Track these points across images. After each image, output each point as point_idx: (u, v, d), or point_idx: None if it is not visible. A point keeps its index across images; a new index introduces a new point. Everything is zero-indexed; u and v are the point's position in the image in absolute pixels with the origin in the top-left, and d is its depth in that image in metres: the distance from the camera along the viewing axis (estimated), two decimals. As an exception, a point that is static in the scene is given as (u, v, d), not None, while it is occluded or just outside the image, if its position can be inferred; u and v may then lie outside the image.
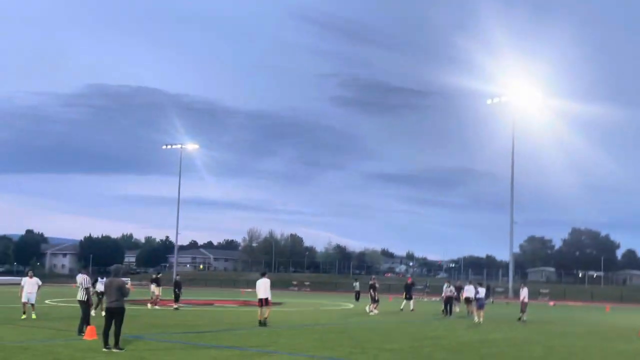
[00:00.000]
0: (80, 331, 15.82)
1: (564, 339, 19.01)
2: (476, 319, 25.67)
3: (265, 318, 20.28)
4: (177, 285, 30.43)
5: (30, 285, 21.30)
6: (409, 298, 34.41)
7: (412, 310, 32.93)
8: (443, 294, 31.28)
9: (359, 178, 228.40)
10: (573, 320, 29.82)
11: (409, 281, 37.54)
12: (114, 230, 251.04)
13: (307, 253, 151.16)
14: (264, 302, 20.53)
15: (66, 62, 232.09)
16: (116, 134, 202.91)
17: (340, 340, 16.47)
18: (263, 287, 20.74)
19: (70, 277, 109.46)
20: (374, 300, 30.14)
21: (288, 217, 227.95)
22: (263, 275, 21.79)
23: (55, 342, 14.48)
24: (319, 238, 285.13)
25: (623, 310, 45.86)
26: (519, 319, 27.20)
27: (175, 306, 29.03)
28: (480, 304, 26.38)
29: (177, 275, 30.30)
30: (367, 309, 29.76)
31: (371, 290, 30.54)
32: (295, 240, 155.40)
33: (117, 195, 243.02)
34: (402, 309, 32.88)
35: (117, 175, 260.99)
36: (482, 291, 26.99)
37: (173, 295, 29.97)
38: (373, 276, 39.18)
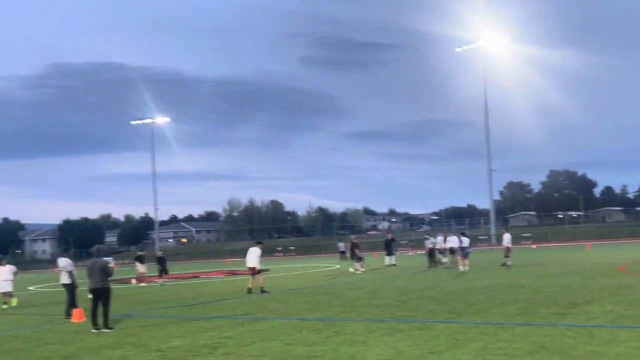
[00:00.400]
0: (68, 314, 15.81)
1: (548, 279, 19.50)
2: (462, 268, 26.18)
3: (262, 287, 20.47)
4: (161, 261, 30.37)
5: (4, 274, 21.12)
6: (390, 254, 34.99)
7: (394, 265, 33.49)
8: (426, 247, 31.78)
9: (335, 138, 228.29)
10: (556, 261, 30.54)
11: (389, 237, 38.04)
12: (92, 211, 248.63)
13: (289, 218, 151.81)
14: (251, 271, 20.72)
15: (23, 43, 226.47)
16: (83, 113, 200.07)
17: (328, 301, 16.71)
18: (250, 256, 20.90)
19: (52, 262, 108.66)
20: (358, 259, 30.49)
21: (267, 184, 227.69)
22: (258, 244, 21.86)
23: (43, 327, 14.48)
24: (300, 202, 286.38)
25: (603, 247, 47.06)
26: (503, 264, 27.77)
27: (160, 282, 29.07)
28: (465, 253, 26.90)
29: (159, 250, 30.19)
30: (350, 269, 30.10)
31: (355, 250, 30.87)
32: (276, 206, 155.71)
33: (92, 175, 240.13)
34: (386, 265, 33.45)
35: (89, 156, 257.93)
36: (465, 240, 27.45)
37: (157, 272, 29.94)
38: (353, 236, 39.64)
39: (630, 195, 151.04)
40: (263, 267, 20.75)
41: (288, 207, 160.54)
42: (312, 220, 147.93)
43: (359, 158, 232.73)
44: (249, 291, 20.28)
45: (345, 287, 21.38)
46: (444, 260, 30.94)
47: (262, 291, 20.25)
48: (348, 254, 30.31)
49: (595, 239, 69.74)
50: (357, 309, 14.42)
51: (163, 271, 29.74)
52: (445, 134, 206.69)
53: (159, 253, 30.40)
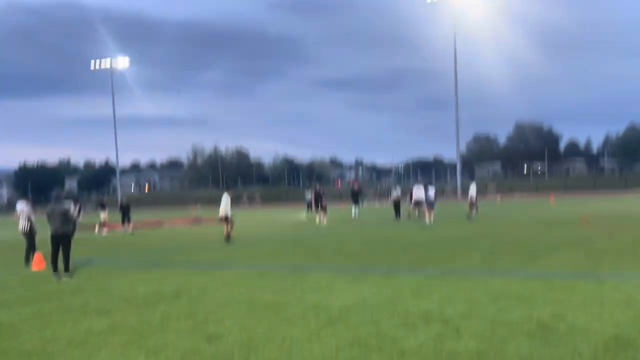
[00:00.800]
0: (27, 260, 15.66)
1: (510, 230, 20.02)
2: (427, 220, 26.61)
3: (229, 234, 20.33)
4: (125, 209, 29.98)
5: None
6: (356, 203, 35.39)
7: (358, 215, 33.86)
8: (391, 198, 32.09)
9: (302, 85, 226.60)
10: (519, 213, 31.30)
11: (356, 187, 38.40)
12: (50, 156, 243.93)
13: (254, 167, 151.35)
14: (222, 219, 20.59)
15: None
16: (39, 53, 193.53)
17: (294, 250, 16.89)
18: (222, 204, 20.75)
19: (9, 207, 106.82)
20: (323, 209, 30.68)
21: (232, 131, 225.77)
22: (227, 190, 21.69)
23: (1, 273, 14.33)
24: (266, 150, 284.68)
25: (567, 200, 48.35)
26: (469, 216, 28.34)
27: (130, 231, 28.76)
28: (430, 204, 27.28)
29: (124, 198, 29.77)
30: (317, 220, 30.30)
31: (318, 199, 31.00)
32: (241, 154, 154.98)
33: (49, 119, 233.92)
34: (353, 217, 33.81)
35: (46, 98, 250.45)
36: (431, 192, 27.81)
37: (121, 220, 29.64)
38: (317, 184, 39.89)
39: (594, 149, 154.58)
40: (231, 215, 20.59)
41: (253, 156, 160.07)
42: (278, 170, 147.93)
43: (326, 106, 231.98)
44: (226, 239, 20.17)
45: (311, 237, 21.60)
46: (410, 211, 31.34)
47: (228, 239, 20.20)
48: (313, 204, 30.50)
49: (559, 191, 71.51)
50: (322, 257, 14.61)
51: (128, 219, 29.47)
52: (414, 84, 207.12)
53: (124, 200, 30.00)
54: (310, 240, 19.86)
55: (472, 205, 29.01)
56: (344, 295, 9.14)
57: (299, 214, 40.30)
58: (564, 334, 6.37)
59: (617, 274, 10.12)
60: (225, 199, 20.62)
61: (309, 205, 44.81)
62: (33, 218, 16.01)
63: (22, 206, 16.35)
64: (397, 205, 31.08)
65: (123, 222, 29.42)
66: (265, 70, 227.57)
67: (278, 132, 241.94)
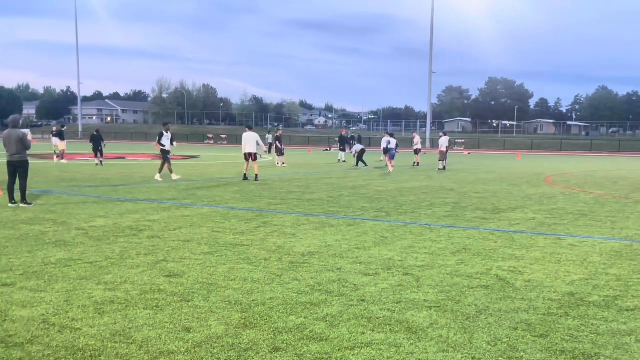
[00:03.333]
0: (-18, 187, 15.36)
1: (476, 185, 20.37)
2: (390, 169, 26.92)
3: (256, 174, 20.44)
4: (95, 139, 28.87)
5: None
6: (343, 150, 35.85)
7: (345, 162, 34.32)
8: (354, 148, 32.14)
9: (275, 24, 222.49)
10: (485, 168, 31.79)
11: (342, 133, 38.79)
12: (7, 79, 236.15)
13: (222, 105, 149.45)
14: (247, 157, 20.57)
15: None
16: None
17: (259, 192, 16.92)
18: (249, 142, 20.63)
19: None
20: (280, 152, 30.73)
21: (200, 67, 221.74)
22: (249, 129, 21.47)
23: (-46, 199, 14.04)
24: (234, 89, 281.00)
25: (533, 158, 49.23)
26: (440, 168, 28.75)
27: (97, 161, 28.16)
28: (391, 154, 27.59)
29: (96, 130, 28.90)
30: (276, 163, 30.32)
31: (277, 142, 31.00)
32: (209, 91, 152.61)
33: (6, 41, 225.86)
34: (340, 161, 34.44)
35: (4, 18, 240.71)
36: (392, 142, 28.18)
37: (93, 150, 28.71)
38: (278, 127, 39.92)
39: (563, 109, 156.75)
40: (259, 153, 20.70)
41: (221, 94, 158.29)
42: (246, 109, 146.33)
43: (299, 48, 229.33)
44: (245, 177, 20.26)
45: (276, 180, 21.63)
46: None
47: (256, 178, 20.40)
48: (279, 145, 30.57)
49: (526, 149, 72.68)
50: (287, 202, 14.68)
51: (99, 151, 28.49)
52: (389, 30, 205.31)
53: (95, 132, 29.15)
54: (275, 183, 19.89)
55: (442, 156, 29.38)
56: (307, 241, 9.24)
57: (266, 157, 40.19)
58: (521, 288, 6.58)
59: (576, 234, 10.42)
60: (253, 137, 20.59)
61: (270, 148, 44.89)
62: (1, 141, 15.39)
63: None
64: (361, 154, 31.15)
65: (95, 153, 28.50)
66: (238, 4, 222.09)
67: (248, 70, 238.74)
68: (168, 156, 20.48)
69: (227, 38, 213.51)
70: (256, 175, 20.68)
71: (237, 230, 10.14)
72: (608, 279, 7.09)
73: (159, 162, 21.94)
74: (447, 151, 30.10)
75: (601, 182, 22.75)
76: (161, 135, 20.47)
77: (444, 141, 29.90)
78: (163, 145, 20.31)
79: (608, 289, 6.66)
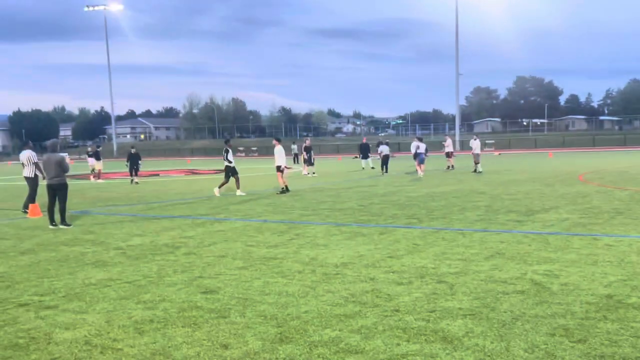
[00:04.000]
0: (26, 207, 15.72)
1: (507, 187, 20.12)
2: (420, 173, 26.73)
3: (285, 185, 20.48)
4: (134, 158, 28.87)
5: None
6: (366, 157, 35.81)
7: (373, 168, 34.37)
8: (380, 153, 31.71)
9: (299, 35, 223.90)
10: (517, 169, 31.39)
11: (364, 141, 38.75)
12: (44, 103, 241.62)
13: (251, 117, 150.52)
14: (278, 169, 20.58)
15: None
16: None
17: (291, 204, 16.98)
18: (276, 155, 20.72)
19: (5, 154, 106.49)
20: (309, 163, 30.82)
21: (228, 80, 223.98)
22: (278, 141, 21.53)
23: (-3, 223, 14.41)
24: (263, 101, 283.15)
25: (565, 156, 48.44)
26: (474, 171, 28.51)
27: (136, 180, 28.30)
28: (420, 158, 27.33)
29: (132, 147, 29.12)
30: (305, 173, 30.41)
31: (304, 153, 31.08)
32: (238, 104, 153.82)
33: (42, 64, 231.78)
34: (363, 169, 34.49)
35: (39, 44, 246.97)
36: (422, 146, 27.91)
37: (128, 170, 28.81)
38: (306, 137, 40.10)
39: (595, 104, 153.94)
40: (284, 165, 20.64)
41: (250, 106, 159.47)
42: (275, 121, 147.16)
43: (324, 57, 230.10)
44: (282, 190, 20.23)
45: (308, 190, 21.69)
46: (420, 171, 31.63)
47: (282, 190, 20.37)
48: (302, 157, 30.65)
49: (557, 147, 71.54)
50: (319, 212, 14.71)
51: (134, 169, 28.52)
52: (413, 34, 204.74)
53: (133, 150, 29.33)
54: (306, 194, 19.95)
55: (477, 159, 29.13)
56: (340, 251, 9.25)
57: (297, 167, 40.34)
58: (557, 292, 6.49)
59: (612, 233, 10.22)
60: (277, 150, 20.58)
61: (296, 158, 45.03)
62: (40, 164, 15.66)
63: (26, 154, 16.09)
64: (385, 160, 30.93)
65: (130, 172, 28.59)
66: (261, 17, 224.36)
67: (275, 82, 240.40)
68: (235, 171, 20.37)
69: (253, 51, 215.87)
70: (286, 186, 20.62)
71: (270, 243, 10.21)
72: (646, 279, 6.94)
73: (190, 177, 22.16)
74: (480, 154, 29.81)
75: (637, 178, 22.27)
76: (227, 152, 20.38)
77: (476, 144, 29.61)
78: (230, 162, 20.27)
79: (646, 289, 6.52)
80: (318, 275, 7.66)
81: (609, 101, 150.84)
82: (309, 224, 12.55)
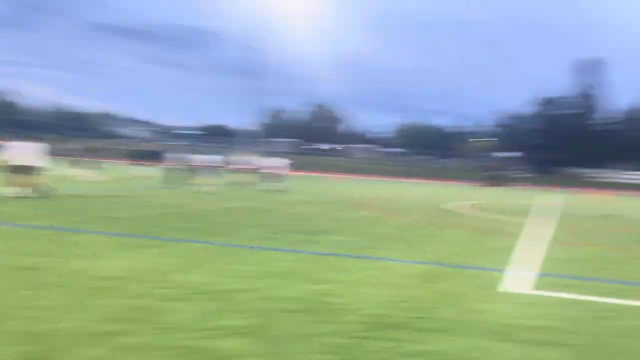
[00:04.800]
0: None
1: (295, 207, 20.90)
2: (208, 187, 26.92)
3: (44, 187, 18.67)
4: None
5: None
6: (151, 165, 35.09)
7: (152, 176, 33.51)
8: (172, 164, 31.51)
9: (82, 29, 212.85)
10: (307, 191, 32.77)
11: (152, 148, 37.94)
12: None
13: (21, 111, 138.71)
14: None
15: None
16: None
17: (59, 209, 15.92)
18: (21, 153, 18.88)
19: None
20: (87, 166, 29.57)
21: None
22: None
23: None
24: (36, 94, 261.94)
25: (351, 182, 51.62)
26: (262, 189, 29.28)
27: None
28: (214, 172, 27.81)
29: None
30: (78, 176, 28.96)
31: (84, 156, 29.84)
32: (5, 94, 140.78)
33: None
34: (148, 176, 33.49)
35: None
36: (212, 159, 28.62)
37: None
38: (88, 141, 38.41)
39: (383, 136, 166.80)
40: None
41: (21, 99, 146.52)
42: (48, 117, 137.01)
43: (111, 55, 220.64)
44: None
45: (78, 196, 20.50)
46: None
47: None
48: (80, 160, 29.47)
49: (344, 172, 76.25)
50: (91, 220, 13.95)
51: None
52: (208, 44, 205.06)
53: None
54: (76, 200, 18.84)
55: (266, 177, 30.07)
56: (110, 263, 8.82)
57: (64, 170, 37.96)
58: (331, 312, 6.83)
59: (389, 257, 11.09)
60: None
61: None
62: None
63: None
64: (174, 171, 30.81)
65: None
66: (43, 3, 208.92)
67: (52, 75, 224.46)
68: None
69: (30, 38, 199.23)
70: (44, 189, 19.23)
71: (35, 251, 9.39)
72: (412, 301, 7.62)
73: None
74: (274, 173, 30.80)
75: (412, 207, 24.51)
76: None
77: (272, 162, 30.68)
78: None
79: (412, 310, 7.16)
80: (86, 288, 7.22)
81: (391, 135, 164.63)
82: (79, 232, 11.82)
